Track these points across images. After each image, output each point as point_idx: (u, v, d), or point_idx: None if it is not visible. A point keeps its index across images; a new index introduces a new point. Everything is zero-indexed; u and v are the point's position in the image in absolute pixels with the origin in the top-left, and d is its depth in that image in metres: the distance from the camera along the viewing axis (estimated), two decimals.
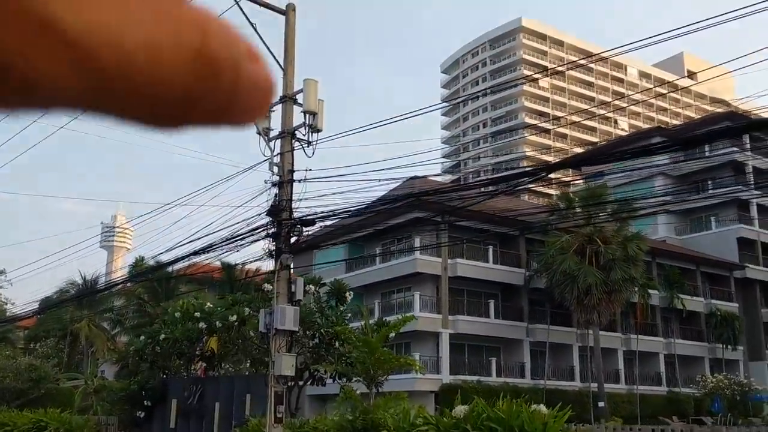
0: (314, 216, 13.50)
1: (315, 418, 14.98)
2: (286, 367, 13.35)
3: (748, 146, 50.55)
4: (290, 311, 13.61)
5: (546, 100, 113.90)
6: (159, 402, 19.87)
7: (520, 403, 11.23)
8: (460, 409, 11.39)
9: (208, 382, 18.66)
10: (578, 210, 37.09)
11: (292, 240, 14.03)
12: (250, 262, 21.31)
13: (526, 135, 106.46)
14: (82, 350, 45.30)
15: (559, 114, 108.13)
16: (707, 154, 48.64)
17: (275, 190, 14.45)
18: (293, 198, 14.36)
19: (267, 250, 14.40)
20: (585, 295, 35.04)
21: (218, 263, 30.48)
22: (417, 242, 35.86)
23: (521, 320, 39.05)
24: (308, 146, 14.69)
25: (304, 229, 13.88)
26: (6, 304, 47.35)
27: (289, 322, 13.57)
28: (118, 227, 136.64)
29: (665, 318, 45.64)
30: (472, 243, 38.25)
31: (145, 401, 19.94)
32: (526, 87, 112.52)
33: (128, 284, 34.92)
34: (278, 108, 15.30)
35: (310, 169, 13.93)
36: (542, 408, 11.49)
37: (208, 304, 20.32)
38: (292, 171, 14.49)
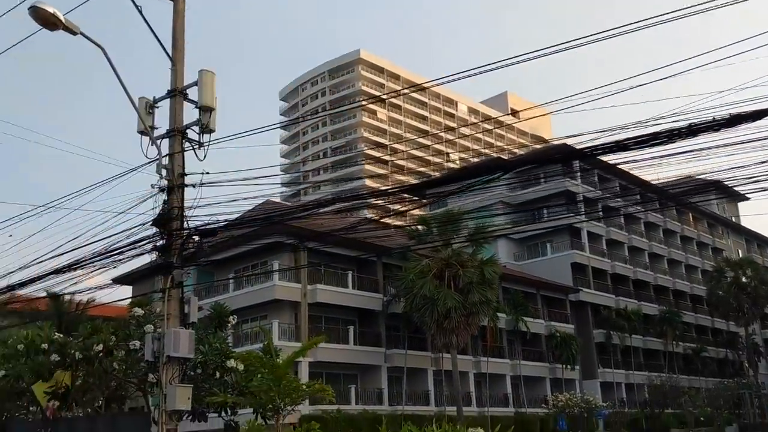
0: (215, 225, 11.77)
1: None
2: (181, 400, 11.40)
3: (579, 177, 54.26)
4: (185, 335, 11.71)
5: (384, 132, 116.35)
6: None
7: (460, 429, 10.32)
8: None
9: (61, 424, 15.81)
10: (435, 233, 37.33)
11: (187, 253, 12.15)
12: (88, 291, 17.02)
13: (365, 164, 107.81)
14: None
15: (396, 146, 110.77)
16: (543, 184, 51.58)
17: (163, 196, 12.51)
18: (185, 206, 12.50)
19: (154, 264, 12.41)
20: (445, 318, 35.13)
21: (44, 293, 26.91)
22: (276, 267, 34.15)
23: (379, 346, 38.40)
24: (200, 148, 12.93)
25: (204, 240, 12.07)
26: None
27: (184, 347, 11.66)
28: None
29: (510, 340, 47.19)
30: (330, 268, 37.19)
31: None
32: (364, 119, 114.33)
33: None
34: (165, 103, 13.41)
35: (207, 172, 12.13)
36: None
37: (58, 334, 17.51)
38: (183, 174, 12.63)
